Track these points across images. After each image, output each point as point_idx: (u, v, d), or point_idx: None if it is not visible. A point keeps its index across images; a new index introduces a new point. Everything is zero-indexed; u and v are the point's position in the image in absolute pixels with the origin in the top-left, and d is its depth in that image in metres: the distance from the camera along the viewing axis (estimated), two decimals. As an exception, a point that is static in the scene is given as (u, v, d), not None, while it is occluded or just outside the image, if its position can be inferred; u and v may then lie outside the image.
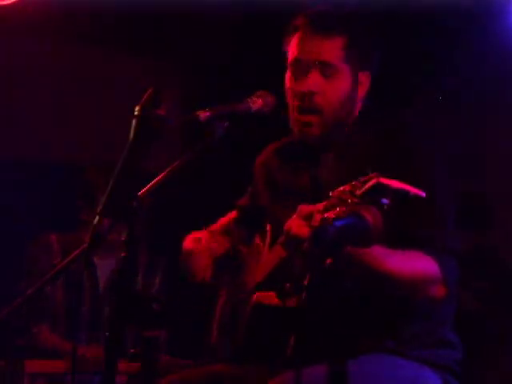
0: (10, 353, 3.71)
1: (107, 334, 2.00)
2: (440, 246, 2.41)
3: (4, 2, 4.23)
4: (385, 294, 2.40)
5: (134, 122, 2.10)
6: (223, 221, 2.94)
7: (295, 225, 2.16)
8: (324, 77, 2.52)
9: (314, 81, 2.52)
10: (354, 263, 2.21)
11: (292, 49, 2.57)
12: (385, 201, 1.86)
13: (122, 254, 2.04)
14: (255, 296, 2.50)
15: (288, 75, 2.59)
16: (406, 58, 4.58)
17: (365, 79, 2.58)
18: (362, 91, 2.59)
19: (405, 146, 2.50)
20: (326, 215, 1.95)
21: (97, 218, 2.05)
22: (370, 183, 1.88)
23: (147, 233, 3.85)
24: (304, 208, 2.14)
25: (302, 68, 2.54)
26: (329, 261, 1.91)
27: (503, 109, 4.87)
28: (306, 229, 2.11)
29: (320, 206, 2.02)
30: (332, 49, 2.52)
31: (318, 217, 2.00)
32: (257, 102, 2.47)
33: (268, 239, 2.61)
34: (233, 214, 2.96)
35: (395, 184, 1.86)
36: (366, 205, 1.87)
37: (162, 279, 4.20)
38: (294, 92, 2.55)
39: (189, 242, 2.71)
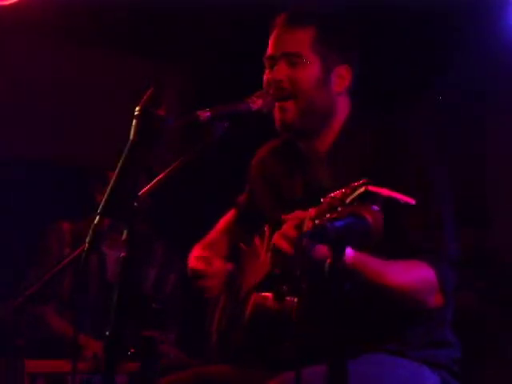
0: (9, 353, 3.71)
1: (107, 333, 2.00)
2: (438, 255, 2.41)
3: (4, 2, 4.23)
4: (384, 296, 2.41)
5: (134, 122, 2.10)
6: (222, 223, 2.95)
7: (284, 242, 2.18)
8: (290, 66, 2.56)
9: (279, 70, 2.56)
10: (355, 275, 2.22)
11: (268, 47, 2.62)
12: (375, 208, 1.86)
13: (123, 254, 2.04)
14: (253, 297, 2.50)
15: (264, 73, 2.61)
16: (406, 58, 4.58)
17: (345, 73, 2.59)
18: (342, 84, 2.60)
19: (402, 147, 2.50)
20: (317, 222, 1.96)
21: (97, 217, 2.05)
22: (359, 191, 1.89)
23: (162, 230, 3.85)
24: (298, 214, 2.15)
25: (272, 63, 2.59)
26: (328, 261, 1.91)
27: (503, 109, 4.87)
28: (290, 246, 2.15)
29: (312, 212, 2.03)
30: (299, 39, 2.56)
31: (309, 223, 2.02)
32: (257, 102, 2.48)
33: (266, 240, 2.61)
34: (232, 213, 2.96)
35: (384, 192, 1.86)
36: (367, 205, 1.86)
37: (177, 278, 4.20)
38: (265, 84, 2.59)
39: (198, 263, 2.72)
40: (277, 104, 2.55)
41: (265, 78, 2.60)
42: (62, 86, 5.20)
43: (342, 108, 2.61)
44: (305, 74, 2.55)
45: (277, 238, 2.20)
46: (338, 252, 1.90)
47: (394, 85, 4.69)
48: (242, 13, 4.40)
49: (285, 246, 2.17)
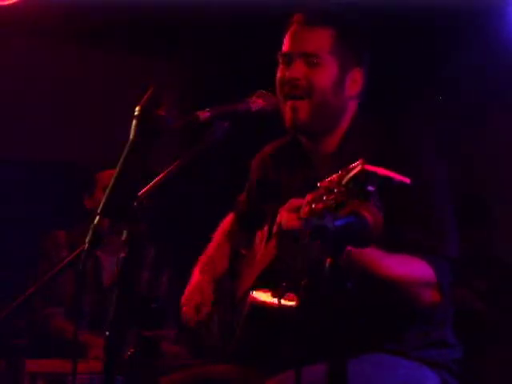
0: (9, 353, 3.71)
1: (107, 333, 2.00)
2: (437, 254, 2.41)
3: (4, 3, 4.24)
4: (384, 295, 2.41)
5: (134, 122, 2.10)
6: (221, 230, 2.95)
7: (285, 219, 2.17)
8: (308, 66, 2.55)
9: (297, 69, 2.55)
10: (351, 264, 2.21)
11: (284, 44, 2.61)
12: (371, 188, 1.85)
13: (122, 255, 2.04)
14: (251, 295, 2.50)
15: (278, 69, 2.61)
16: (406, 58, 4.58)
17: (358, 76, 2.59)
18: (355, 88, 2.59)
19: (404, 146, 2.51)
20: (314, 206, 1.94)
21: (97, 217, 2.05)
22: (355, 171, 1.88)
23: (153, 232, 3.87)
24: (294, 201, 2.15)
25: (288, 60, 2.58)
26: (328, 260, 1.90)
27: (503, 108, 4.88)
28: (297, 221, 2.12)
29: (308, 197, 2.02)
30: (317, 39, 2.55)
31: (306, 208, 2.01)
32: (257, 102, 2.47)
33: (265, 238, 2.61)
34: (230, 218, 2.96)
35: (380, 171, 1.86)
36: (367, 204, 1.86)
37: (170, 278, 4.22)
38: (280, 80, 2.58)
39: (189, 308, 2.76)
40: (289, 103, 2.55)
41: (279, 74, 2.59)
42: (62, 85, 5.21)
43: (351, 110, 2.61)
44: (322, 75, 2.54)
45: (279, 218, 2.20)
46: (339, 251, 1.90)
47: (395, 84, 4.69)
48: (243, 13, 4.40)
49: (289, 222, 2.16)
